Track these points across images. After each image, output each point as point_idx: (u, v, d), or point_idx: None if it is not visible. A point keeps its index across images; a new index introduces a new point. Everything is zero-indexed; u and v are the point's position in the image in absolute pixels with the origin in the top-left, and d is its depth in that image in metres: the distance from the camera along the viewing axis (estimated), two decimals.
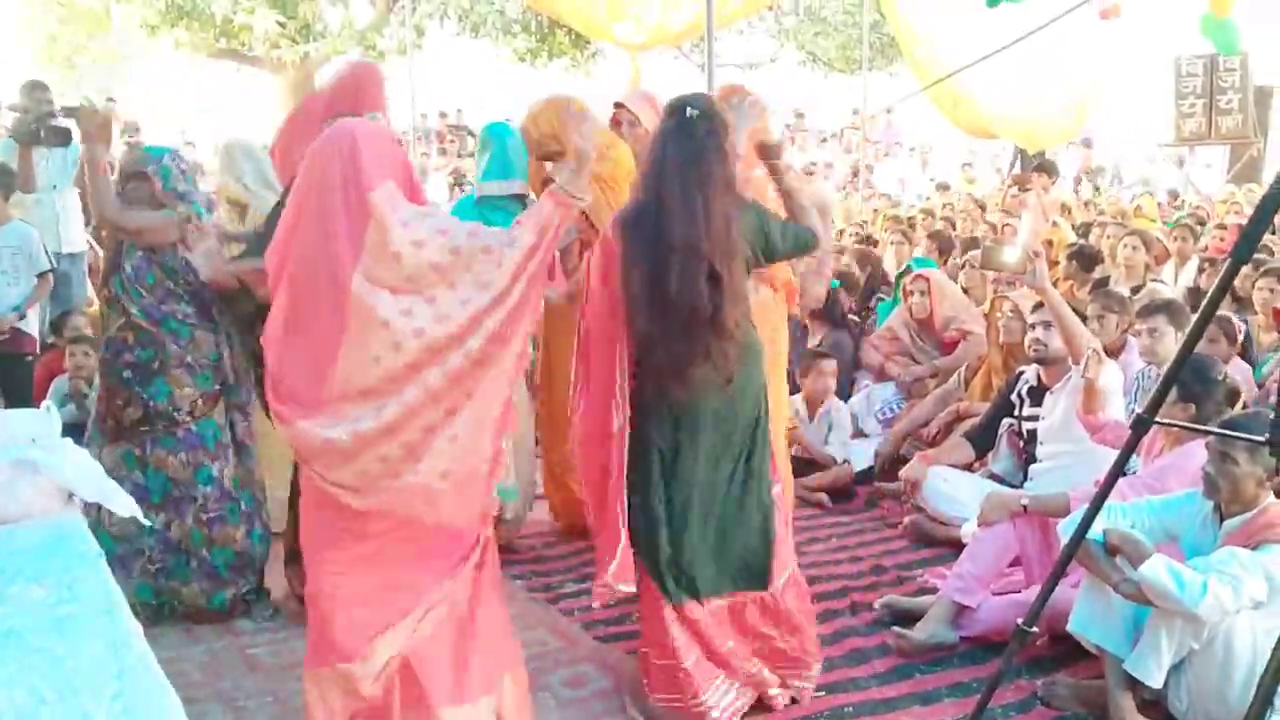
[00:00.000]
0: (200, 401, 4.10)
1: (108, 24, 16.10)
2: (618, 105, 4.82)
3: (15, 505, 2.54)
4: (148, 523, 2.73)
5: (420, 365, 2.78)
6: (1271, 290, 6.18)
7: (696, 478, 3.38)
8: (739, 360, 3.31)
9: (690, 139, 3.25)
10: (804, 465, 5.89)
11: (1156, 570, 3.19)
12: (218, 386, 4.15)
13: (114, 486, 2.64)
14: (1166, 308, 4.99)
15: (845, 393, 6.51)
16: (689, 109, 3.29)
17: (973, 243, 8.46)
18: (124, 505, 2.63)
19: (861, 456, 6.01)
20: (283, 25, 15.53)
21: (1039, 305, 4.87)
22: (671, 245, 3.19)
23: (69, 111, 6.69)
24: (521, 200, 4.65)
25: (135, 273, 4.06)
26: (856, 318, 7.53)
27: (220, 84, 20.04)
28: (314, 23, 16.12)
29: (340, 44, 16.31)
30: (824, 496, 5.70)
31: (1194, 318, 2.59)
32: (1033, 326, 4.88)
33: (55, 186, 7.20)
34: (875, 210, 13.30)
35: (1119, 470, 2.76)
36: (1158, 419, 2.68)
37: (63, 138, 6.43)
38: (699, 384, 3.30)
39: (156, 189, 4.05)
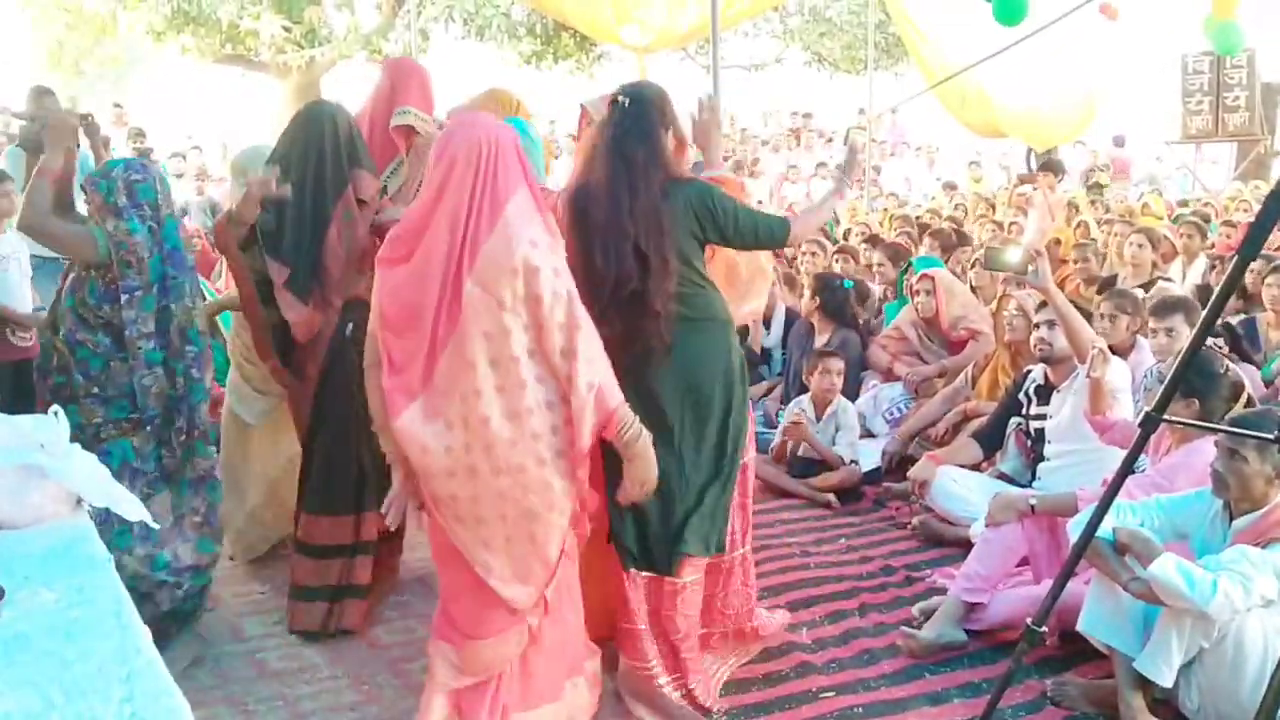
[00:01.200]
0: (110, 427, 3.85)
1: (114, 29, 16.14)
2: (581, 107, 4.85)
3: (24, 510, 2.55)
4: (156, 525, 2.73)
5: (515, 413, 2.88)
6: None
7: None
8: (671, 335, 3.34)
9: (618, 125, 3.40)
10: (812, 465, 5.89)
11: (1166, 569, 3.17)
12: (135, 414, 3.85)
13: (122, 491, 2.65)
14: (1182, 306, 4.99)
15: (853, 393, 6.50)
16: (621, 98, 3.44)
17: (965, 238, 8.45)
18: (132, 510, 2.64)
19: (869, 456, 6.00)
20: (288, 30, 15.57)
21: (1044, 304, 4.86)
22: (597, 226, 3.32)
23: (78, 118, 6.72)
24: None
25: (67, 294, 3.89)
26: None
27: (226, 89, 20.11)
28: (319, 27, 16.15)
29: (346, 48, 16.35)
30: (832, 497, 5.69)
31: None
32: (1038, 325, 4.88)
33: None
34: (884, 210, 13.29)
35: (1127, 468, 2.76)
36: (1166, 417, 2.68)
37: None
38: (636, 360, 3.33)
39: (98, 202, 3.84)
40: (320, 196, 4.02)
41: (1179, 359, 2.60)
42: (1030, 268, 4.40)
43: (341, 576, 4.17)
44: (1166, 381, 2.64)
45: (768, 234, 3.52)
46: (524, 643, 3.10)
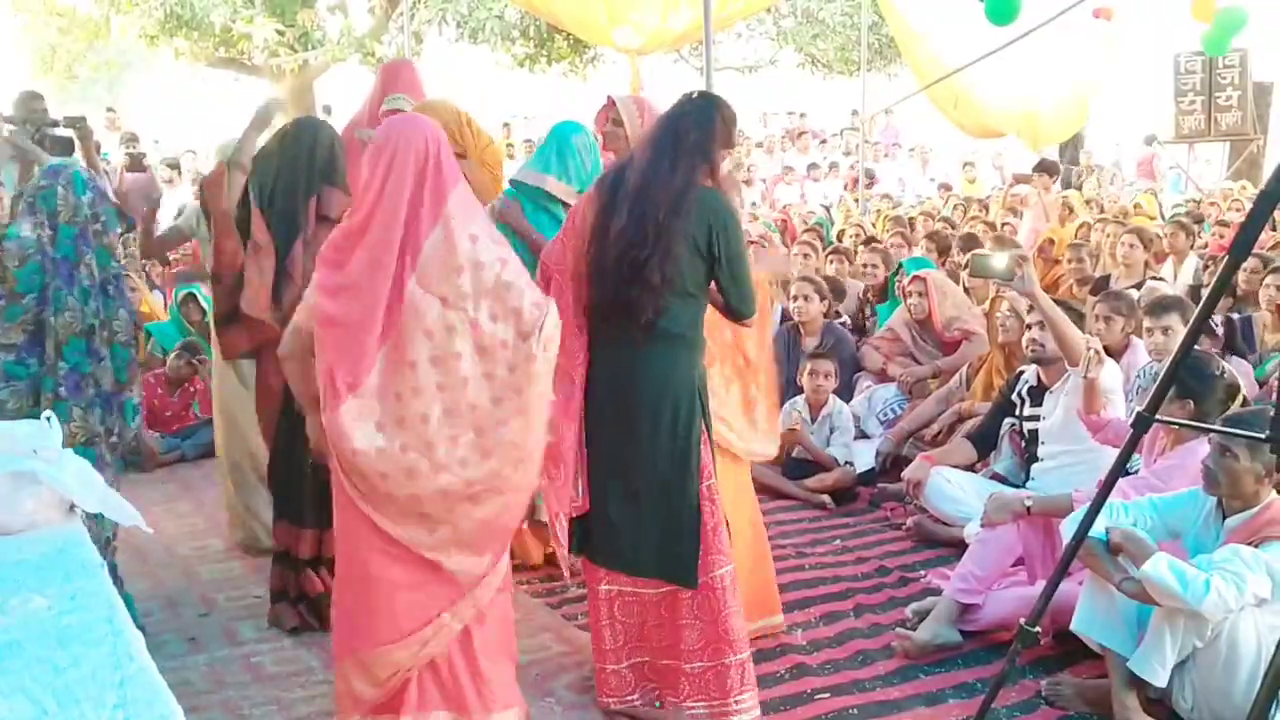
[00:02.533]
0: None
1: (107, 34, 16.12)
2: (610, 101, 4.81)
3: (17, 516, 2.54)
4: (149, 530, 2.72)
5: (456, 410, 2.84)
6: (1278, 288, 6.18)
7: (616, 448, 3.41)
8: (659, 309, 3.29)
9: (680, 108, 3.46)
10: (807, 466, 5.89)
11: (1159, 568, 3.18)
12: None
13: (117, 498, 2.64)
14: (1177, 305, 5.00)
15: (847, 394, 6.50)
16: (694, 93, 3.53)
17: (972, 240, 8.45)
18: (126, 515, 2.64)
19: (864, 457, 6.01)
20: (281, 33, 15.54)
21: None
22: (629, 189, 3.34)
23: (71, 121, 6.70)
24: (548, 197, 4.53)
25: None
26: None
27: (220, 92, 20.09)
28: (313, 31, 16.14)
29: (339, 51, 16.33)
30: (827, 498, 5.70)
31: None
32: (1029, 326, 4.86)
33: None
34: (878, 211, 13.30)
35: (1120, 469, 2.76)
36: (1158, 417, 2.68)
37: (65, 147, 6.41)
38: (616, 337, 3.34)
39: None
40: (291, 209, 4.08)
41: (1172, 359, 2.60)
42: (1016, 273, 4.38)
43: (286, 583, 4.22)
44: (1158, 382, 2.65)
45: (742, 295, 3.42)
46: (442, 643, 3.00)
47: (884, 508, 5.65)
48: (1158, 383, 2.64)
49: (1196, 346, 4.97)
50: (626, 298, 3.29)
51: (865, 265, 8.05)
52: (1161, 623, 3.28)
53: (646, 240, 3.26)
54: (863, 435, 6.34)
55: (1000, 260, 4.47)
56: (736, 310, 3.46)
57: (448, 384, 2.84)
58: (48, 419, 2.73)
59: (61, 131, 6.43)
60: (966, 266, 7.32)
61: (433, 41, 17.42)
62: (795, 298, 6.71)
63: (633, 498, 3.40)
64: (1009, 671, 3.04)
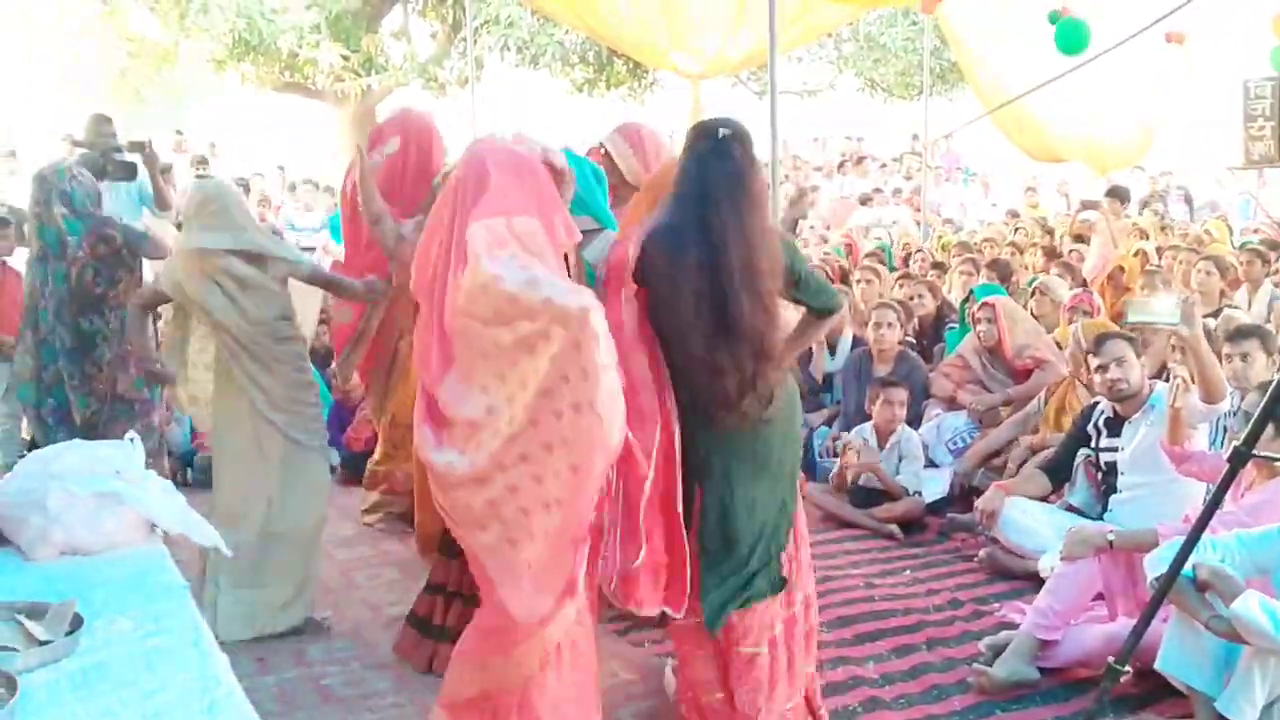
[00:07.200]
0: None
1: (175, 58, 16.40)
2: (600, 145, 4.62)
3: (100, 537, 2.56)
4: (229, 553, 2.74)
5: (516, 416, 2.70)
6: None
7: (742, 513, 3.23)
8: (779, 389, 3.19)
9: (730, 160, 3.14)
10: (873, 495, 5.81)
11: (1250, 607, 3.09)
12: None
13: (197, 518, 2.66)
14: (1256, 332, 4.88)
15: (915, 421, 6.40)
16: (721, 130, 3.17)
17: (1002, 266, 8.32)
18: (206, 536, 2.65)
19: (932, 487, 5.91)
20: (346, 59, 15.73)
21: (1102, 338, 4.77)
22: (731, 269, 3.05)
23: (135, 146, 6.77)
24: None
25: None
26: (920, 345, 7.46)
27: (285, 116, 20.40)
28: (376, 56, 16.32)
29: (402, 76, 16.50)
30: (895, 528, 5.61)
31: None
32: (1104, 368, 4.75)
33: (122, 220, 7.21)
34: (938, 236, 13.18)
35: (1216, 504, 2.69)
36: (1256, 452, 2.60)
37: (129, 172, 6.48)
38: (744, 415, 3.14)
39: None
40: None
41: (1271, 392, 2.53)
42: (1187, 316, 4.15)
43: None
44: (1256, 416, 2.58)
45: (830, 299, 3.45)
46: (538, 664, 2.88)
47: (955, 538, 5.54)
48: (1256, 416, 2.57)
49: None
50: (753, 378, 3.17)
51: (911, 297, 7.91)
52: (1251, 662, 3.18)
53: (764, 319, 3.15)
54: (931, 464, 6.23)
55: (1166, 304, 4.30)
56: (828, 307, 3.44)
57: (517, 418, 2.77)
58: (131, 439, 2.75)
59: (126, 156, 6.51)
60: (1033, 295, 7.24)
61: (494, 67, 17.55)
62: (878, 325, 6.59)
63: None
64: (1095, 711, 2.96)
